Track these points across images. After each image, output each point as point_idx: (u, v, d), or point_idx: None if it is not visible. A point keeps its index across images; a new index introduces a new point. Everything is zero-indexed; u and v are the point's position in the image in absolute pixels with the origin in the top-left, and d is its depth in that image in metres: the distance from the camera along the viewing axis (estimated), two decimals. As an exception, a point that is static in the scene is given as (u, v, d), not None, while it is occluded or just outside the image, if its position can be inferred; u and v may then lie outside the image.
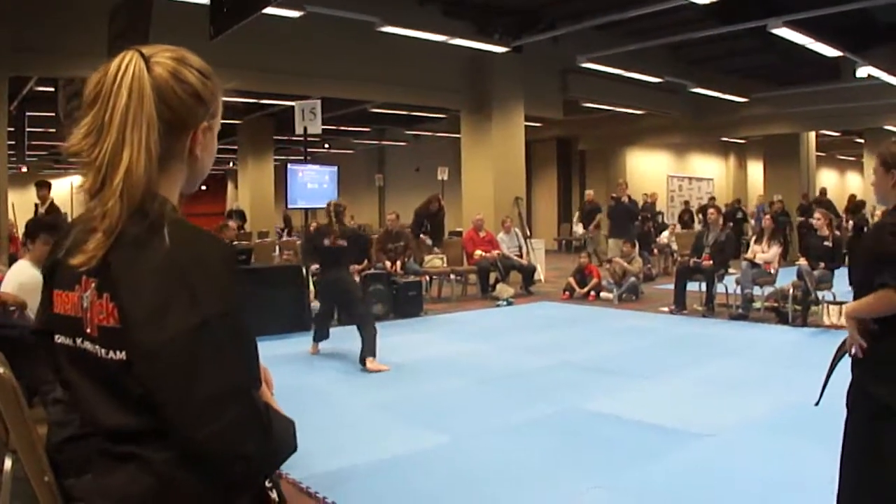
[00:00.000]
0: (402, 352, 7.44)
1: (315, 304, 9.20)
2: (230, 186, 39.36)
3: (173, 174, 1.29)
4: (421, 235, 12.04)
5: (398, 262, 10.55)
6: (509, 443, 4.59)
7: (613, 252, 11.96)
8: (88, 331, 1.21)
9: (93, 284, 1.20)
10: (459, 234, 14.39)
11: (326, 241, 7.07)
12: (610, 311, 10.24)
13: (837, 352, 2.54)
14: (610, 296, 11.05)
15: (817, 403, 2.57)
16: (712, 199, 19.83)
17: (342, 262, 7.09)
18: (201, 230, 1.23)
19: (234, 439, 1.14)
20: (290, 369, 6.76)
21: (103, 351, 1.19)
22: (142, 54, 1.24)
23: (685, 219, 19.27)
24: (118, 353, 1.18)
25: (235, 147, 22.53)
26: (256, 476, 1.26)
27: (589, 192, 16.96)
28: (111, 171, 1.20)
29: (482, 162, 13.56)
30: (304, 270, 9.09)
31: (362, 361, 6.72)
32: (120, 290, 1.16)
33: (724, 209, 14.42)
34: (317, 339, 7.46)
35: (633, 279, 11.02)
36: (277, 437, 1.22)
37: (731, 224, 16.97)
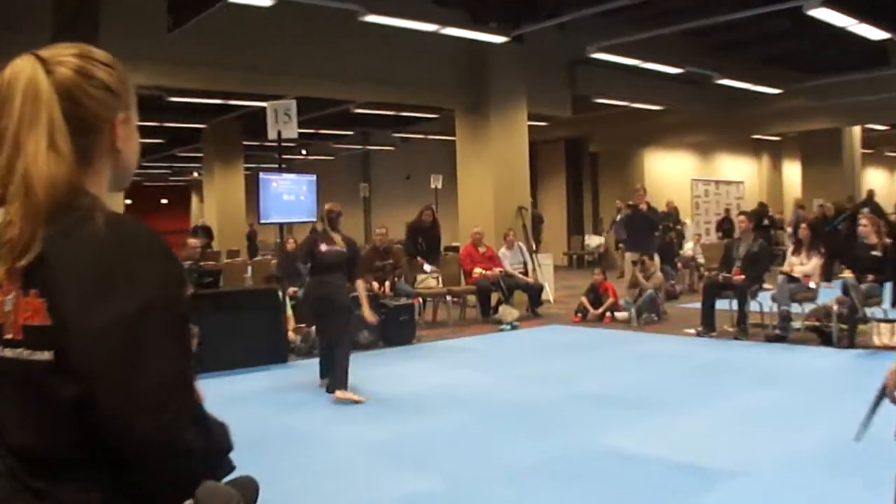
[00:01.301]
0: (392, 384, 7.41)
1: (293, 336, 9.19)
2: (195, 199, 39.41)
3: (99, 171, 1.39)
4: (416, 255, 12.01)
5: (387, 283, 10.53)
6: (515, 488, 4.55)
7: (630, 267, 11.96)
8: (10, 335, 1.27)
9: (17, 284, 1.27)
10: (456, 249, 14.40)
11: (324, 247, 7.08)
12: (628, 334, 10.23)
13: (879, 393, 2.52)
14: (626, 315, 11.05)
15: (858, 439, 2.54)
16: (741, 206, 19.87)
17: (340, 271, 7.09)
18: (136, 221, 1.32)
19: (180, 432, 1.21)
20: (264, 408, 6.73)
21: (27, 352, 1.25)
22: (38, 57, 1.35)
23: (725, 227, 19.31)
24: (45, 353, 1.23)
25: (200, 154, 22.60)
26: (199, 474, 1.32)
27: (619, 203, 17.07)
28: (11, 177, 1.29)
29: (481, 168, 13.60)
30: (280, 294, 9.07)
31: (330, 390, 6.78)
32: (50, 282, 1.23)
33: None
34: (324, 375, 7.29)
35: (649, 292, 11.02)
36: (215, 429, 1.32)
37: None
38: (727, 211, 22.16)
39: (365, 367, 7.21)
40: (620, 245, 15.65)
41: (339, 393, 6.74)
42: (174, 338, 1.25)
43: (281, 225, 10.05)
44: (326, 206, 7.40)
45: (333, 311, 7.00)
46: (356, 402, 6.69)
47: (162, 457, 1.21)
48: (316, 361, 7.69)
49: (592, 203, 23.56)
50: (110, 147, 1.39)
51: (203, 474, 1.35)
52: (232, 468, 1.42)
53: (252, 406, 6.78)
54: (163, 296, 1.24)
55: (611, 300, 11.45)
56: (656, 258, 11.83)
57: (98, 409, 1.20)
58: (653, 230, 12.25)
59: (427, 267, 11.76)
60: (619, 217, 13.06)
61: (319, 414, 6.50)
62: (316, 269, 7.15)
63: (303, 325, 9.82)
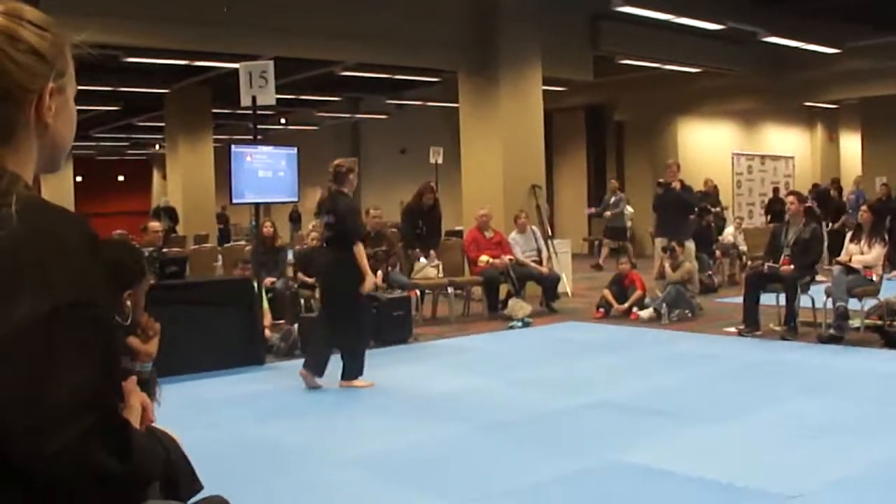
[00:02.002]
0: (386, 390, 7.45)
1: (270, 333, 9.22)
2: (156, 176, 39.41)
3: (21, 148, 1.37)
4: (415, 242, 11.98)
5: (379, 273, 10.54)
6: (526, 511, 4.57)
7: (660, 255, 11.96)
8: None
9: None
10: (459, 234, 14.42)
11: (326, 218, 7.48)
12: (658, 333, 10.25)
13: None
14: (651, 312, 11.06)
15: None
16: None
17: (342, 242, 7.39)
18: (58, 207, 1.31)
19: (90, 454, 1.21)
20: (237, 417, 6.75)
21: None
22: None
23: (776, 209, 19.26)
24: None
25: (162, 124, 22.60)
26: (120, 503, 1.32)
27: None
28: None
29: (488, 139, 13.59)
30: (255, 285, 9.09)
31: (346, 378, 7.45)
32: None
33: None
34: (312, 369, 7.58)
35: (674, 289, 11.01)
36: (140, 455, 1.30)
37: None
38: (776, 191, 22.11)
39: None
40: (649, 230, 15.67)
41: (342, 381, 7.44)
42: (92, 346, 1.24)
43: (256, 206, 10.06)
44: (337, 161, 7.74)
45: (343, 296, 7.52)
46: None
47: (71, 480, 1.21)
48: (298, 363, 7.73)
49: (617, 181, 23.51)
50: (37, 121, 1.37)
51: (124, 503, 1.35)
52: (200, 488, 1.42)
53: (224, 415, 6.80)
54: (77, 299, 1.23)
55: (638, 293, 11.46)
56: (690, 245, 11.83)
57: (0, 425, 1.20)
58: (687, 212, 12.23)
59: (425, 256, 11.77)
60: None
61: (302, 423, 6.52)
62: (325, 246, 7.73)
63: (282, 322, 9.86)
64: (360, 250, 7.35)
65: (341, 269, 7.39)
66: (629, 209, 19.28)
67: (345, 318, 7.48)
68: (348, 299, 7.43)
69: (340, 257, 7.39)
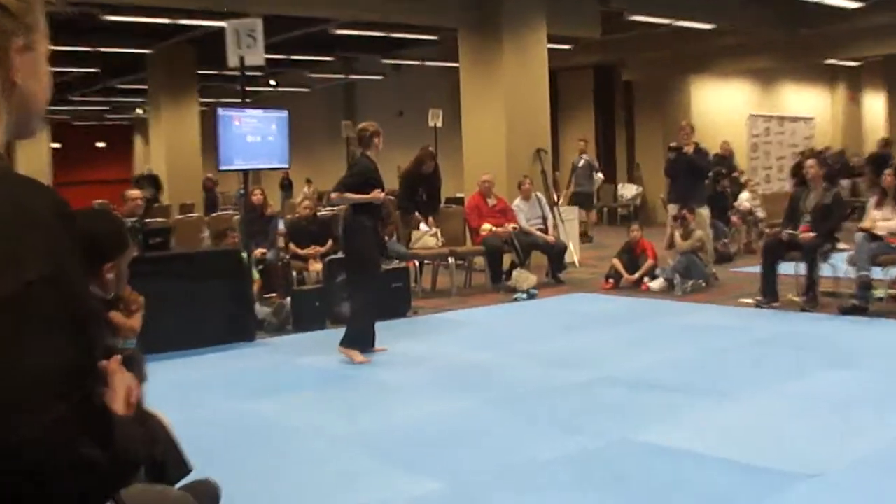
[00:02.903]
0: (383, 365, 7.47)
1: (261, 308, 9.23)
2: (138, 142, 39.32)
3: None
4: (416, 212, 11.94)
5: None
6: (530, 491, 4.59)
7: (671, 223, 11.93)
8: None
9: None
10: (460, 201, 14.39)
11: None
12: (671, 304, 10.26)
13: None
14: (661, 282, 11.06)
15: None
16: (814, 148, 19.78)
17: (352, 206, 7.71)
18: (26, 178, 1.29)
19: (67, 441, 1.18)
20: (227, 396, 6.77)
21: None
22: None
23: (800, 174, 19.16)
24: None
25: (144, 87, 22.48)
26: (101, 494, 1.30)
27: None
28: None
29: (490, 101, 13.54)
30: (244, 256, 9.08)
31: (343, 344, 7.56)
32: None
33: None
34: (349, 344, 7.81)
35: (685, 258, 10.99)
36: (122, 441, 1.28)
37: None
38: (802, 154, 22.03)
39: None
40: (661, 196, 15.63)
41: (341, 348, 7.55)
42: (66, 323, 1.21)
43: (245, 172, 10.02)
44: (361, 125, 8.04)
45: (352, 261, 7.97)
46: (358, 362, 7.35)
47: (46, 470, 1.17)
48: (291, 339, 7.76)
49: (627, 144, 23.49)
50: (4, 81, 1.35)
51: (106, 494, 1.33)
52: (188, 470, 1.41)
53: (212, 394, 6.82)
54: (50, 275, 1.20)
55: (650, 263, 11.45)
56: (704, 212, 11.80)
57: None
58: (700, 177, 12.20)
59: (424, 224, 11.75)
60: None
61: (295, 401, 6.55)
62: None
63: (273, 295, 9.86)
64: (338, 195, 7.68)
65: (347, 235, 7.75)
66: (599, 175, 18.79)
67: (352, 284, 7.95)
68: (354, 264, 7.85)
69: (347, 222, 7.73)
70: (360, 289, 7.71)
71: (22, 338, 1.17)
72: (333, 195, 7.77)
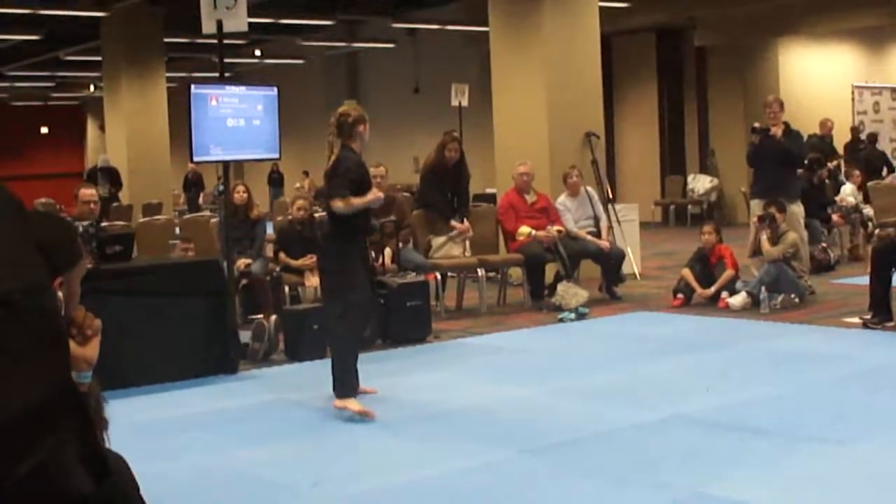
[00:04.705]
0: (397, 405, 7.45)
1: (246, 333, 9.25)
2: (91, 127, 39.60)
3: None
4: (443, 213, 11.84)
5: (387, 252, 10.53)
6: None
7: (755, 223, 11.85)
8: None
9: None
10: (491, 198, 14.38)
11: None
12: (756, 326, 10.22)
13: None
14: (743, 298, 10.99)
15: None
16: None
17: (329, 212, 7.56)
18: None
19: (59, 475, 1.23)
20: (206, 442, 6.78)
21: None
22: None
23: None
24: None
25: (98, 58, 22.58)
26: None
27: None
28: None
29: (528, 74, 13.55)
30: (223, 267, 9.10)
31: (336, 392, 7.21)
32: None
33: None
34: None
35: (774, 267, 10.92)
36: (116, 474, 1.34)
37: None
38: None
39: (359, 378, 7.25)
40: (742, 189, 15.58)
41: (337, 401, 7.13)
42: (46, 344, 1.25)
43: (225, 165, 10.04)
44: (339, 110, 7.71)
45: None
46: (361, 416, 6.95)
47: None
48: (282, 371, 7.72)
49: (699, 126, 23.41)
50: None
51: None
52: None
53: (186, 440, 6.81)
54: (24, 287, 1.26)
55: (728, 274, 11.39)
56: (796, 209, 11.73)
57: None
58: (791, 166, 12.14)
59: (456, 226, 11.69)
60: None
61: (288, 451, 6.54)
62: None
63: (260, 316, 9.87)
64: (345, 204, 7.30)
65: (326, 246, 7.63)
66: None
67: (326, 310, 7.67)
68: (328, 283, 7.65)
69: (325, 233, 7.65)
70: (332, 315, 7.49)
71: (4, 361, 1.21)
72: (339, 204, 7.42)
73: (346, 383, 7.20)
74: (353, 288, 7.36)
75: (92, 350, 3.57)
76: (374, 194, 7.37)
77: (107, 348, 3.57)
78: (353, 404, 7.08)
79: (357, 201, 7.32)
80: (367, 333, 9.47)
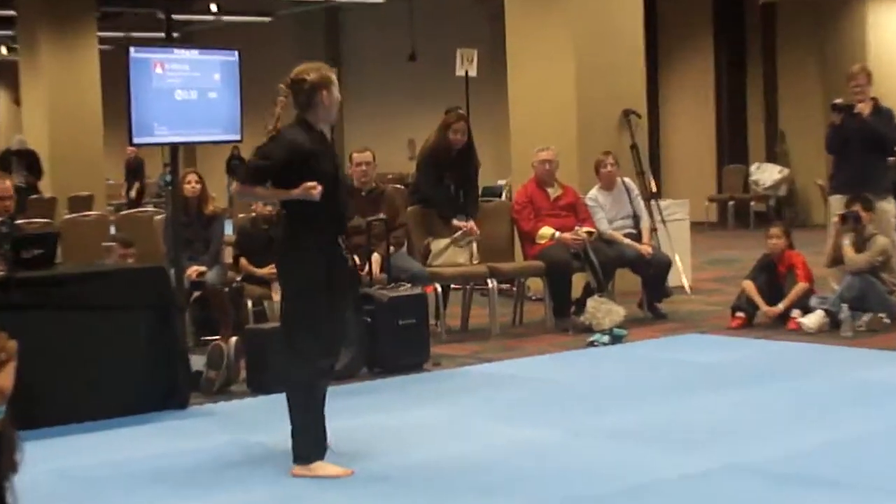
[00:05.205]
0: (387, 450, 7.44)
1: (198, 357, 9.27)
2: (3, 99, 39.60)
3: None
4: (444, 210, 11.84)
5: (375, 257, 10.53)
6: None
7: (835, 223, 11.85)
8: None
9: None
10: (502, 193, 14.37)
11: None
12: (835, 352, 10.23)
13: None
14: (820, 317, 10.97)
15: None
16: None
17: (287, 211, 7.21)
18: None
19: None
20: (140, 492, 6.75)
21: None
22: None
23: None
24: None
25: (11, 12, 22.53)
26: None
27: None
28: None
29: (551, 38, 13.59)
30: (170, 276, 9.11)
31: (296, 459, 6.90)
32: None
33: None
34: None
35: (859, 280, 10.93)
36: None
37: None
38: None
39: (338, 416, 7.18)
40: (819, 182, 15.57)
41: (296, 468, 6.84)
42: None
43: (173, 148, 10.05)
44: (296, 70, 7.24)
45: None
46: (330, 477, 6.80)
47: None
48: (242, 405, 7.70)
49: (765, 103, 23.40)
50: None
51: None
52: None
53: (124, 493, 6.81)
54: None
55: (802, 287, 11.38)
56: (888, 207, 11.73)
57: None
58: (881, 153, 12.15)
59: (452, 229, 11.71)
60: None
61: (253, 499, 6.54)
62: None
63: (216, 337, 9.89)
64: (239, 189, 7.40)
65: (280, 259, 7.31)
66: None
67: (285, 349, 7.15)
68: (284, 309, 7.25)
69: (279, 237, 7.37)
70: (295, 359, 6.99)
71: None
72: (233, 187, 7.38)
73: (300, 444, 6.90)
74: (314, 324, 6.94)
75: (5, 378, 3.60)
76: (304, 188, 6.75)
77: (25, 377, 3.59)
78: (322, 469, 6.83)
79: (264, 192, 7.12)
80: (348, 360, 9.51)
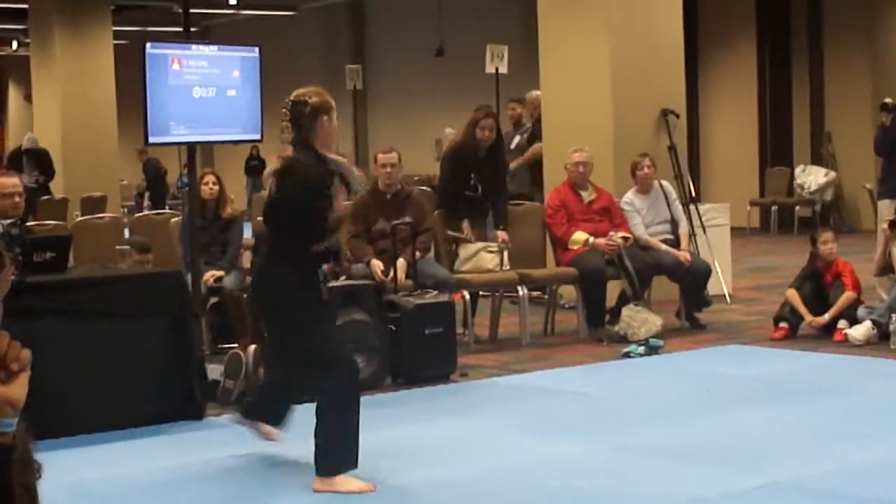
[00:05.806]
0: (416, 460, 7.48)
1: (215, 366, 9.28)
2: (13, 95, 39.76)
3: None
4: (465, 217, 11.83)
5: (400, 262, 10.53)
6: None
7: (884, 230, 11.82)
8: None
9: None
10: (534, 197, 14.36)
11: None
12: (885, 365, 10.20)
13: None
14: (868, 328, 10.92)
15: None
16: None
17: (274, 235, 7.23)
18: None
19: None
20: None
21: None
22: None
23: None
24: None
25: (23, 5, 22.63)
26: None
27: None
28: None
29: (585, 33, 13.59)
30: (187, 281, 9.13)
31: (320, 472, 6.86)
32: None
33: None
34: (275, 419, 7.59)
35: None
36: None
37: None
38: None
39: (360, 428, 7.16)
40: (867, 186, 15.52)
41: (317, 482, 6.83)
42: None
43: (190, 148, 10.08)
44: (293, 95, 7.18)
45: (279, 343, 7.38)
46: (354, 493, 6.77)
47: None
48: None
49: (811, 101, 23.33)
50: None
51: None
52: None
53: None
54: None
55: (849, 296, 11.34)
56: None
57: None
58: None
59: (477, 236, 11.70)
60: None
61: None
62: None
63: (234, 346, 9.90)
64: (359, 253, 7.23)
65: (265, 298, 7.35)
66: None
67: (296, 368, 7.41)
68: (291, 340, 7.34)
69: (262, 273, 7.42)
70: (329, 367, 7.09)
71: None
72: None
73: (330, 460, 6.88)
74: (320, 330, 7.11)
75: (18, 389, 3.59)
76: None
77: (38, 387, 3.60)
78: (344, 483, 6.80)
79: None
80: (372, 370, 9.52)
